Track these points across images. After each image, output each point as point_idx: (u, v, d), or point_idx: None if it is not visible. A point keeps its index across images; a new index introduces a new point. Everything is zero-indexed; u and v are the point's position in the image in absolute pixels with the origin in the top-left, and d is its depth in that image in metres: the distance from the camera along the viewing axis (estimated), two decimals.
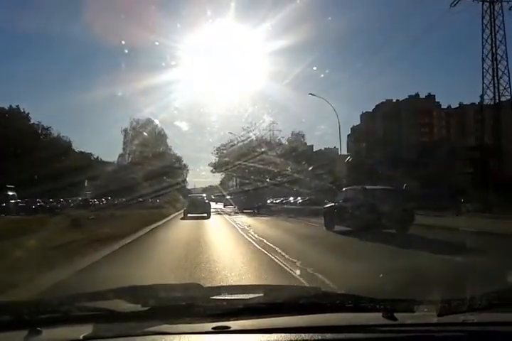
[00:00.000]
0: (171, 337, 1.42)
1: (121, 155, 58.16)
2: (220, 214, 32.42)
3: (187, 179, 67.38)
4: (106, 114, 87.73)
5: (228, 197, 48.29)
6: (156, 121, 52.03)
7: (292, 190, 42.99)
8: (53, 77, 77.08)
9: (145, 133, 52.99)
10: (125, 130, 56.70)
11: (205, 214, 24.49)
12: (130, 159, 55.02)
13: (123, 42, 38.15)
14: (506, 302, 1.73)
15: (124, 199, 43.86)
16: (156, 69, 45.26)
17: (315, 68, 42.26)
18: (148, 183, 41.50)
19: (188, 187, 69.76)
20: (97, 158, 61.08)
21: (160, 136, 55.34)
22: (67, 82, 76.94)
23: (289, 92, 50.08)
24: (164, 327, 1.46)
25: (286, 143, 48.28)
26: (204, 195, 34.23)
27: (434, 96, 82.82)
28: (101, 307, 1.63)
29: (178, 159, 60.09)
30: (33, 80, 69.48)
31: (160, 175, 46.05)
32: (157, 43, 35.39)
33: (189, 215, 24.23)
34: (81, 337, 1.40)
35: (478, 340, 1.49)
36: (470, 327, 1.51)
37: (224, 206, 46.95)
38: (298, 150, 46.49)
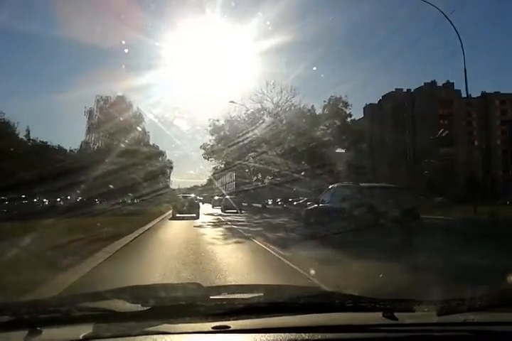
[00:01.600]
0: (171, 336, 1.43)
1: (84, 143, 45.16)
2: (236, 230, 14.90)
3: (171, 178, 57.24)
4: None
5: (216, 197, 46.33)
6: (130, 100, 41.37)
7: (292, 189, 41.90)
8: (31, 75, 74.39)
9: (116, 115, 40.45)
10: (90, 111, 44.31)
11: (194, 215, 24.25)
12: (96, 148, 43.83)
13: (107, 41, 35.80)
14: (506, 302, 1.73)
15: (82, 199, 34.32)
16: (147, 69, 42.34)
17: (315, 68, 40.77)
18: (119, 180, 31.91)
19: (172, 186, 60.35)
20: (55, 146, 45.59)
21: (136, 120, 42.36)
22: (51, 80, 73.86)
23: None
24: (164, 327, 1.46)
25: (326, 111, 35.77)
26: (193, 195, 33.11)
27: (453, 83, 72.79)
28: (101, 307, 1.63)
29: (161, 153, 49.61)
30: (7, 79, 64.95)
31: (136, 170, 36.71)
32: (157, 44, 34.51)
33: (178, 215, 24.13)
34: (81, 337, 1.40)
35: (479, 340, 1.49)
36: (470, 326, 1.51)
37: (212, 207, 44.11)
38: (338, 118, 35.09)
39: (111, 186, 30.17)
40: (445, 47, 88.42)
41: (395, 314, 1.55)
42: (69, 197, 35.54)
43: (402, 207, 11.12)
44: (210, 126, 38.50)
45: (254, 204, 46.02)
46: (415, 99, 73.80)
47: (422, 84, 73.56)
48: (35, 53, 67.21)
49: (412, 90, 76.12)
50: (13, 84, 65.84)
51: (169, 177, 55.62)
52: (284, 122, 34.98)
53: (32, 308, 1.71)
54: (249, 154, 37.36)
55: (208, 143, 39.85)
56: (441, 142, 68.12)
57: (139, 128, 43.36)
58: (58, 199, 36.29)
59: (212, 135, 39.06)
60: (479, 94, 76.05)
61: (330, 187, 13.74)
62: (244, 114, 36.37)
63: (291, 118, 34.54)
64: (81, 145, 45.28)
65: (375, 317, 1.55)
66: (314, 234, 11.61)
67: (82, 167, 30.12)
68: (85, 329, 1.43)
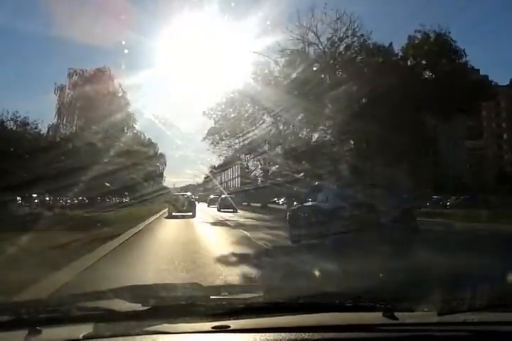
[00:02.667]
0: (171, 336, 1.43)
1: (52, 127, 34.60)
2: None
3: (164, 174, 49.61)
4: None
5: (212, 196, 45.38)
6: (112, 74, 33.05)
7: (292, 189, 40.23)
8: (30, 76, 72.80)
9: (94, 92, 32.36)
10: (61, 88, 34.82)
11: (191, 213, 23.80)
12: (69, 133, 34.28)
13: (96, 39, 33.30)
14: (507, 302, 1.73)
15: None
16: (146, 69, 38.51)
17: (315, 68, 39.63)
18: (97, 176, 23.83)
19: (165, 184, 53.73)
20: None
21: (118, 99, 33.18)
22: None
23: (289, 91, 47.99)
24: (164, 327, 1.46)
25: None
26: (189, 193, 31.87)
27: (479, 70, 67.13)
28: (100, 307, 1.63)
29: (153, 145, 41.50)
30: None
31: (121, 163, 28.29)
32: (155, 43, 32.97)
33: (174, 214, 23.71)
34: (81, 336, 1.40)
35: (479, 340, 1.49)
36: (470, 326, 1.51)
37: (208, 206, 42.38)
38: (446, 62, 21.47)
39: (85, 184, 23.16)
40: (468, 32, 78.71)
41: (395, 314, 1.55)
42: (34, 196, 27.82)
43: (396, 207, 9.56)
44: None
45: (270, 205, 41.52)
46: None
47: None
48: (33, 52, 66.32)
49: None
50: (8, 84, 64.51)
51: (162, 174, 49.11)
52: (340, 74, 21.72)
53: (32, 308, 1.71)
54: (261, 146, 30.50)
55: (218, 110, 30.75)
56: (468, 134, 62.77)
57: (123, 109, 32.92)
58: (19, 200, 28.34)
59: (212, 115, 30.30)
60: (508, 83, 66.51)
61: (316, 183, 11.95)
62: (277, 63, 24.26)
63: (356, 65, 20.67)
64: (48, 131, 33.81)
65: (375, 316, 1.55)
66: (300, 237, 10.32)
67: (47, 158, 23.19)
68: (85, 329, 1.43)
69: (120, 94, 34.05)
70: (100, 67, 34.53)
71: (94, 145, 27.18)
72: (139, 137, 38.67)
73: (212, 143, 35.80)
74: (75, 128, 34.64)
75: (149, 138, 41.92)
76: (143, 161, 34.51)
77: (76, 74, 35.22)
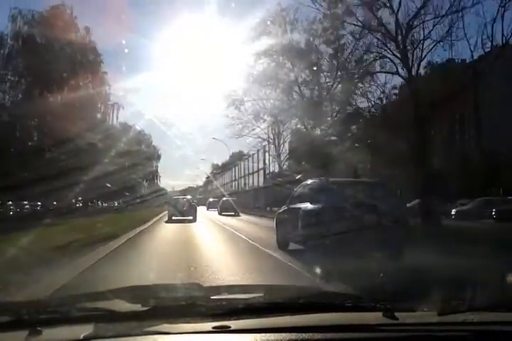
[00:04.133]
0: (171, 336, 1.43)
1: None
2: None
3: (159, 174, 44.30)
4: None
5: (211, 199, 44.63)
6: (75, 15, 22.74)
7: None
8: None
9: (49, 40, 21.63)
10: None
11: (191, 217, 23.46)
12: (9, 103, 23.40)
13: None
14: (507, 301, 1.73)
15: None
16: (147, 70, 37.82)
17: (315, 68, 38.68)
18: (58, 170, 17.48)
19: (162, 186, 49.28)
20: None
21: (87, 54, 23.07)
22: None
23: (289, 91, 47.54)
24: (164, 327, 1.46)
25: None
26: (189, 196, 30.94)
27: None
28: (101, 307, 1.63)
29: (146, 137, 34.50)
30: None
31: (88, 144, 20.18)
32: (154, 44, 31.99)
33: (174, 218, 23.39)
34: (81, 337, 1.40)
35: (479, 340, 1.49)
36: (470, 326, 1.51)
37: (207, 209, 40.75)
38: None
39: (35, 181, 15.76)
40: None
41: (396, 314, 1.55)
42: None
43: (388, 209, 8.54)
44: None
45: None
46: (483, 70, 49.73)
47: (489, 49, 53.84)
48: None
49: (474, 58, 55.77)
50: None
51: (157, 171, 42.88)
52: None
53: (32, 308, 1.71)
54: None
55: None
56: None
57: (93, 66, 22.98)
58: None
59: None
60: None
61: (308, 182, 10.51)
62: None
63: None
64: None
65: (376, 317, 1.55)
66: (287, 242, 9.72)
67: None
68: (85, 330, 1.43)
69: (88, 41, 22.41)
70: (57, 3, 22.77)
71: (50, 123, 17.68)
72: (127, 126, 29.29)
73: (235, 107, 27.66)
74: (20, 95, 23.33)
75: (142, 130, 34.13)
76: (125, 146, 25.64)
77: (22, 17, 22.65)
